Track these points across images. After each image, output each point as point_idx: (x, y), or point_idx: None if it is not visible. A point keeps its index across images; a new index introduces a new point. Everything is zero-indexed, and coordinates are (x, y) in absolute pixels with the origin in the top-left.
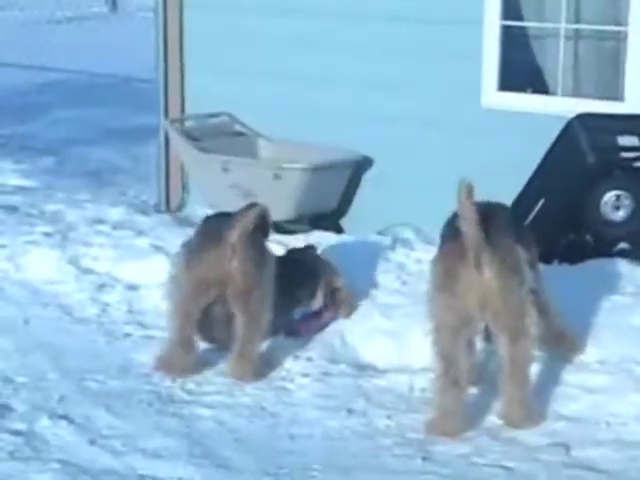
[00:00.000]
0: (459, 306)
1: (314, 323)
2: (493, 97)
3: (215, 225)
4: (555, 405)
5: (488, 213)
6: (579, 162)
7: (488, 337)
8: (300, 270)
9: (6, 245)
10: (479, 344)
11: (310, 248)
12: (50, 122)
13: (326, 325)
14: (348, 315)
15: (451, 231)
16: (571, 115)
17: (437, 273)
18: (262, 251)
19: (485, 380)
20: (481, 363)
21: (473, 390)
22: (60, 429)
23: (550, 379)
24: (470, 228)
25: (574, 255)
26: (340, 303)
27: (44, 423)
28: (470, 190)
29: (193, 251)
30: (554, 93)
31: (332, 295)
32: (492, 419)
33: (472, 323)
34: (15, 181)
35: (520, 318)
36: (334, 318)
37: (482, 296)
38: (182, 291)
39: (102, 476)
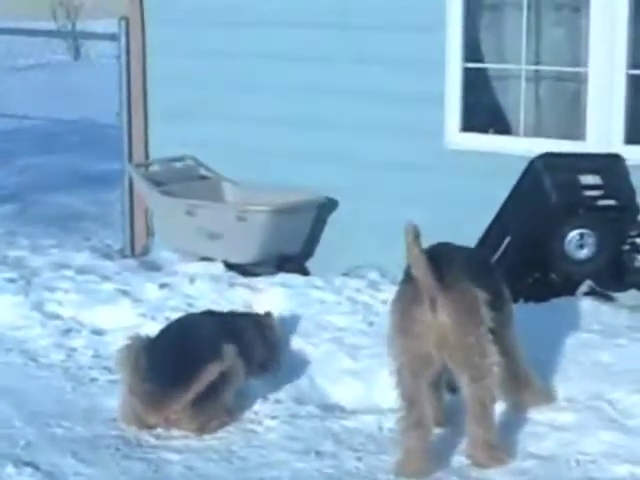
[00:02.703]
0: (417, 347)
1: None
2: (456, 138)
3: None
4: (523, 443)
5: (443, 254)
6: (542, 201)
7: (453, 389)
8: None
9: None
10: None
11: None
12: (13, 169)
13: None
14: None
15: (407, 273)
16: (533, 154)
17: (395, 315)
18: None
19: (453, 420)
20: (448, 403)
21: (440, 430)
22: (26, 477)
23: (517, 417)
24: (420, 273)
25: (540, 293)
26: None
27: (9, 471)
28: (416, 233)
29: None
30: (516, 133)
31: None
32: (461, 459)
33: (432, 364)
34: None
35: (479, 357)
36: None
37: (439, 337)
38: None
39: None
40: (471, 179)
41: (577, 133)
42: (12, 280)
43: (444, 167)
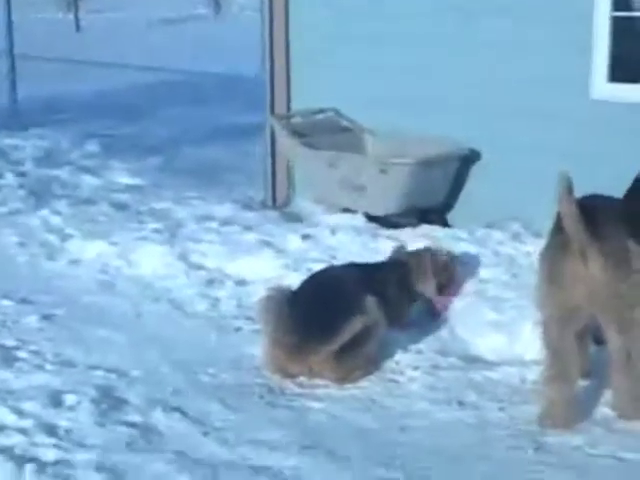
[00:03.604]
0: (566, 299)
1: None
2: (603, 88)
3: None
4: None
5: (594, 206)
6: None
7: (598, 340)
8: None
9: (117, 242)
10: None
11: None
12: (158, 121)
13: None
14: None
15: (559, 222)
16: None
17: (544, 266)
18: None
19: (598, 372)
20: (593, 355)
21: (585, 382)
22: (174, 421)
23: None
24: (571, 224)
25: None
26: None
27: (158, 415)
28: (569, 185)
29: None
30: None
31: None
32: (606, 411)
33: (580, 315)
34: (125, 179)
35: (628, 310)
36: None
37: (588, 289)
38: None
39: (216, 467)
40: (617, 131)
41: None
42: (158, 231)
43: (590, 119)
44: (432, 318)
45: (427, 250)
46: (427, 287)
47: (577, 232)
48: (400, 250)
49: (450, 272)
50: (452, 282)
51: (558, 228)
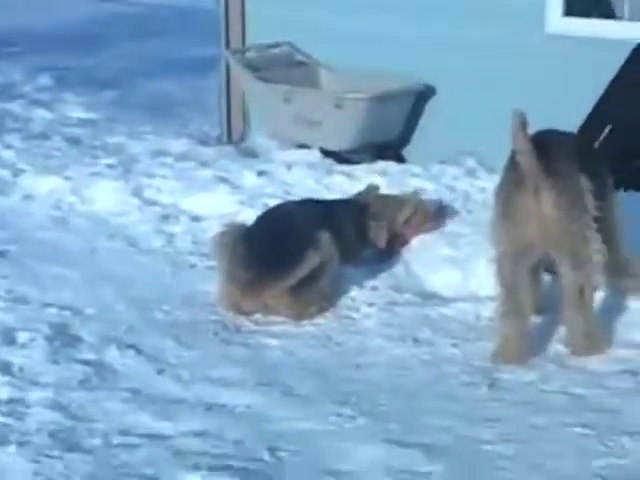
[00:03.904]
0: (520, 235)
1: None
2: (558, 22)
3: None
4: (623, 332)
5: (548, 141)
6: None
7: (551, 270)
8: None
9: (71, 177)
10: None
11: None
12: (113, 54)
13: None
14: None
15: (512, 160)
16: (639, 39)
17: (498, 202)
18: None
19: (551, 308)
20: (547, 291)
21: (538, 318)
22: (129, 359)
23: (617, 305)
24: (525, 160)
25: None
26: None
27: (113, 353)
28: (523, 121)
29: None
30: (621, 17)
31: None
32: (559, 347)
33: (533, 251)
34: (78, 113)
35: (581, 246)
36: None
37: (542, 225)
38: None
39: (170, 405)
40: (572, 66)
41: None
42: (112, 166)
43: (545, 53)
44: (388, 254)
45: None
46: (379, 238)
47: (531, 169)
48: (370, 190)
49: (415, 215)
50: (415, 224)
51: (512, 164)
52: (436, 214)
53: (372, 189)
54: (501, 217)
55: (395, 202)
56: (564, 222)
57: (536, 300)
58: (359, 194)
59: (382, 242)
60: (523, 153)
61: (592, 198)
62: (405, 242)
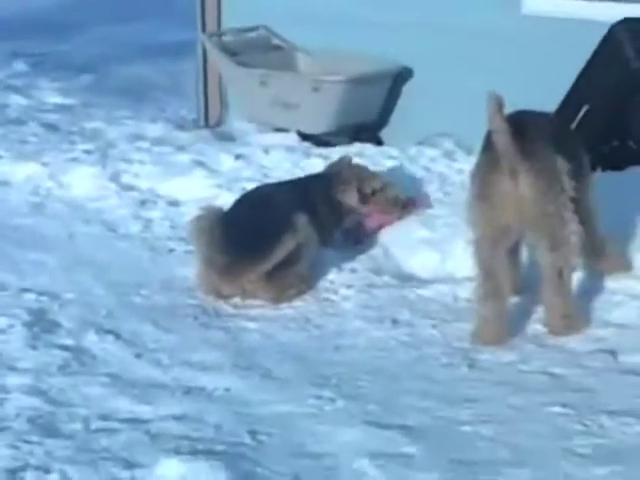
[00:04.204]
0: (497, 216)
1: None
2: (534, 3)
3: None
4: (601, 312)
5: (524, 122)
6: (623, 68)
7: None
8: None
9: (48, 163)
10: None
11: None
12: (87, 39)
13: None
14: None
15: (488, 142)
16: (614, 20)
17: (475, 184)
18: None
19: (530, 288)
20: (525, 272)
21: (517, 298)
22: (107, 344)
23: (594, 287)
24: (501, 141)
25: (617, 162)
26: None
27: (91, 338)
28: (499, 102)
29: None
30: None
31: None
32: (537, 327)
33: (511, 233)
34: (54, 99)
35: (559, 227)
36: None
37: (519, 207)
38: None
39: (150, 389)
40: (549, 47)
41: None
42: (89, 152)
43: (521, 34)
44: (359, 238)
45: (352, 166)
46: (349, 197)
47: (507, 151)
48: (343, 160)
49: (383, 192)
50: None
51: (488, 146)
52: (406, 203)
53: (345, 159)
54: (478, 199)
55: (366, 171)
56: (541, 204)
57: (514, 281)
58: (331, 165)
59: (353, 200)
60: (500, 135)
61: (569, 179)
62: (370, 230)
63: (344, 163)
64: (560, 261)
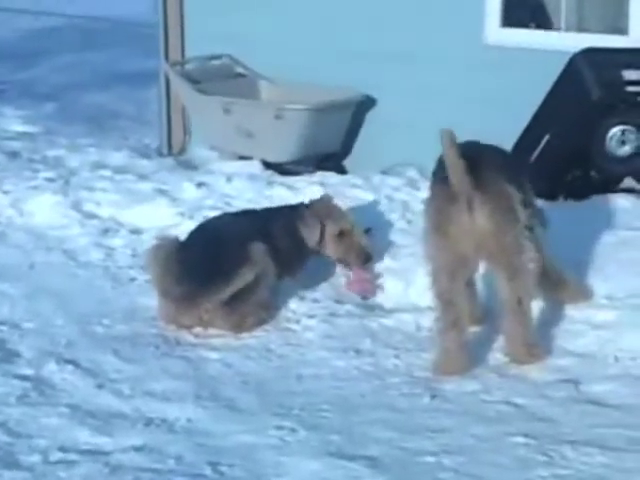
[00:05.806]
0: (454, 248)
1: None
2: (496, 33)
3: None
4: (561, 341)
5: (476, 154)
6: (584, 97)
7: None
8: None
9: (9, 191)
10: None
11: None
12: (51, 68)
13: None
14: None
15: (442, 172)
16: (575, 50)
17: (430, 216)
18: None
19: (490, 318)
20: (484, 302)
21: (477, 328)
22: (68, 374)
23: (555, 316)
24: (457, 176)
25: (580, 191)
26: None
27: (52, 368)
28: (452, 138)
29: None
30: (558, 28)
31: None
32: (499, 357)
33: (469, 264)
34: (17, 127)
35: (517, 256)
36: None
37: (476, 239)
38: None
39: (110, 419)
40: (511, 76)
41: (620, 27)
42: (51, 180)
43: (483, 63)
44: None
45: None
46: (309, 235)
47: (463, 184)
48: (323, 199)
49: (348, 237)
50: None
51: (441, 178)
52: (366, 257)
53: (325, 198)
54: (434, 232)
55: (338, 212)
56: (499, 235)
57: (474, 311)
58: (311, 201)
59: (313, 239)
60: (455, 169)
61: (522, 208)
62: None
63: (323, 201)
64: (519, 290)
